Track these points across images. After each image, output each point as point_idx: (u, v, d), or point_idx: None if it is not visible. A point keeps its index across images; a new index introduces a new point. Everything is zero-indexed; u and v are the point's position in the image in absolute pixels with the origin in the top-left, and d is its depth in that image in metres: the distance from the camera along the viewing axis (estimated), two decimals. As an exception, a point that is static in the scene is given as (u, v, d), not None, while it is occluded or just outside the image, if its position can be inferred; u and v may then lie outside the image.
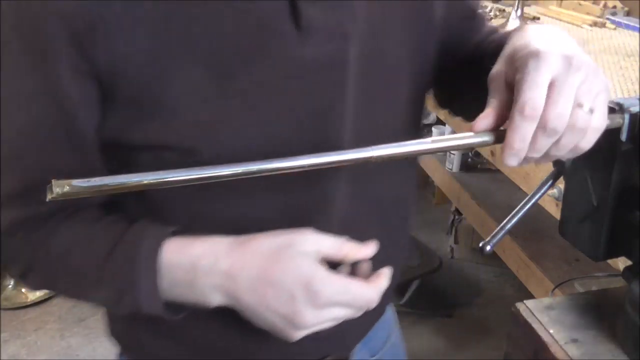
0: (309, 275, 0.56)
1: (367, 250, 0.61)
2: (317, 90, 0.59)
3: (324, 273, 0.57)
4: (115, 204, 0.63)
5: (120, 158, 0.59)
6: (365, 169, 0.64)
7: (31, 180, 0.57)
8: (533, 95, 0.48)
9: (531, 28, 0.57)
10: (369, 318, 0.72)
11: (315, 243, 0.59)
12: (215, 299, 0.58)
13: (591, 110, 0.50)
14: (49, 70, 0.54)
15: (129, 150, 0.58)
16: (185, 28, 0.54)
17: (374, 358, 0.83)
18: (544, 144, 0.49)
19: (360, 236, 0.62)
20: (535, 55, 0.50)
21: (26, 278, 0.63)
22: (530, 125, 0.48)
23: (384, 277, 0.61)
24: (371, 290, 0.59)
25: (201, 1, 0.54)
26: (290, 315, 0.57)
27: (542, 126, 0.48)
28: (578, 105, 0.49)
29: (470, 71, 0.68)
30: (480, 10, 0.77)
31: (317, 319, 0.58)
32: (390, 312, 0.87)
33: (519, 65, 0.51)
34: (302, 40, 0.57)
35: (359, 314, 0.60)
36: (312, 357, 0.72)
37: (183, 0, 0.54)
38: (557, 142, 0.50)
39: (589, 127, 0.50)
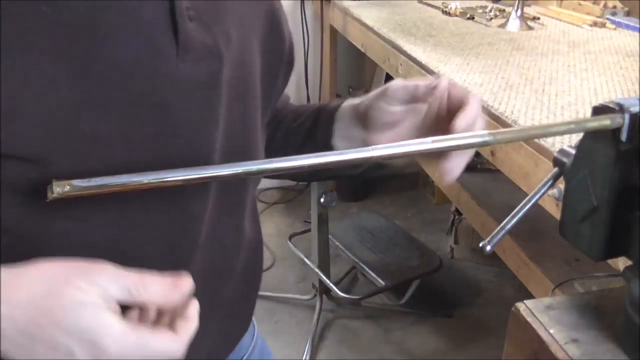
0: (93, 329, 0.46)
1: (175, 294, 0.50)
2: (190, 110, 0.57)
3: (112, 329, 0.46)
4: None
5: None
6: (232, 191, 0.66)
7: None
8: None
9: None
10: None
11: (105, 285, 0.47)
12: None
13: None
14: None
15: None
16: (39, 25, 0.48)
17: None
18: None
19: (223, 260, 0.65)
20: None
21: None
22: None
23: (191, 322, 0.50)
24: (175, 343, 0.49)
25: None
26: None
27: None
28: None
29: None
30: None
31: None
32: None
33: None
34: (180, 57, 0.55)
35: None
36: None
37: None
38: None
39: None
